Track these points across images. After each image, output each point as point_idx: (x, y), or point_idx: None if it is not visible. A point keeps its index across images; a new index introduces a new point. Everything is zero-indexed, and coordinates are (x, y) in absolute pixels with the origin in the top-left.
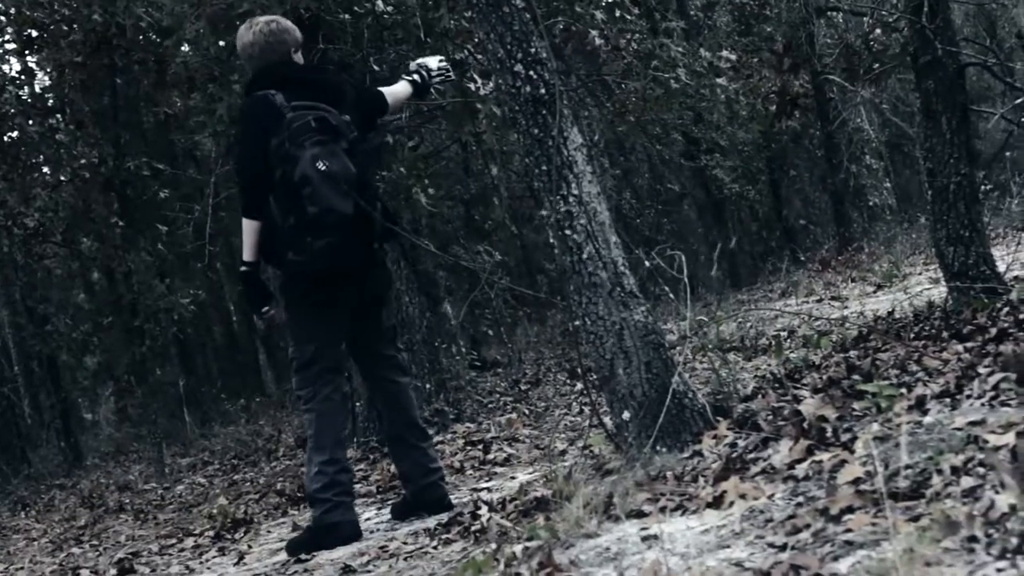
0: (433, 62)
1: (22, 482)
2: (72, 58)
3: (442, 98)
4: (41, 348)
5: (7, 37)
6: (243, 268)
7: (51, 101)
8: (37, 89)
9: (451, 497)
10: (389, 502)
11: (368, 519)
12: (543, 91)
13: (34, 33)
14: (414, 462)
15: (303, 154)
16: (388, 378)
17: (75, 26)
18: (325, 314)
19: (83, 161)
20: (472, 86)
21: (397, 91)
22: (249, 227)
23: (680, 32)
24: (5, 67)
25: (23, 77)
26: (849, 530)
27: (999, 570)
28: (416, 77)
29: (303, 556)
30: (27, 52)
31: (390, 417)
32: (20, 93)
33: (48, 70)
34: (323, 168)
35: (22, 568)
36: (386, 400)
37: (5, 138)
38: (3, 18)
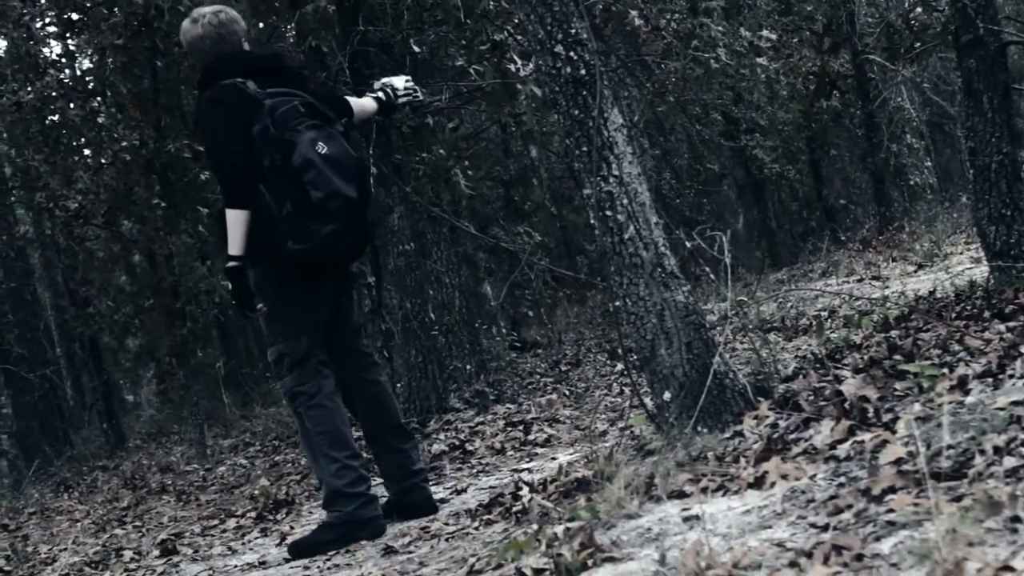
0: (400, 82)
1: (65, 464)
2: (113, 41)
3: (482, 80)
4: (83, 330)
5: (48, 20)
6: (231, 264)
7: (92, 84)
8: (78, 72)
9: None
10: (430, 483)
11: None
12: (583, 72)
13: (75, 16)
14: (396, 464)
15: (300, 138)
16: (368, 379)
17: (116, 9)
18: (313, 306)
19: (124, 144)
20: (512, 67)
21: (363, 104)
22: (237, 218)
23: (720, 11)
24: (46, 50)
25: (64, 60)
26: (891, 510)
27: None
28: (381, 95)
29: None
30: (68, 35)
31: (373, 420)
32: (61, 76)
33: (89, 53)
34: (324, 151)
35: (65, 549)
36: (368, 403)
37: (47, 121)
38: (44, 1)
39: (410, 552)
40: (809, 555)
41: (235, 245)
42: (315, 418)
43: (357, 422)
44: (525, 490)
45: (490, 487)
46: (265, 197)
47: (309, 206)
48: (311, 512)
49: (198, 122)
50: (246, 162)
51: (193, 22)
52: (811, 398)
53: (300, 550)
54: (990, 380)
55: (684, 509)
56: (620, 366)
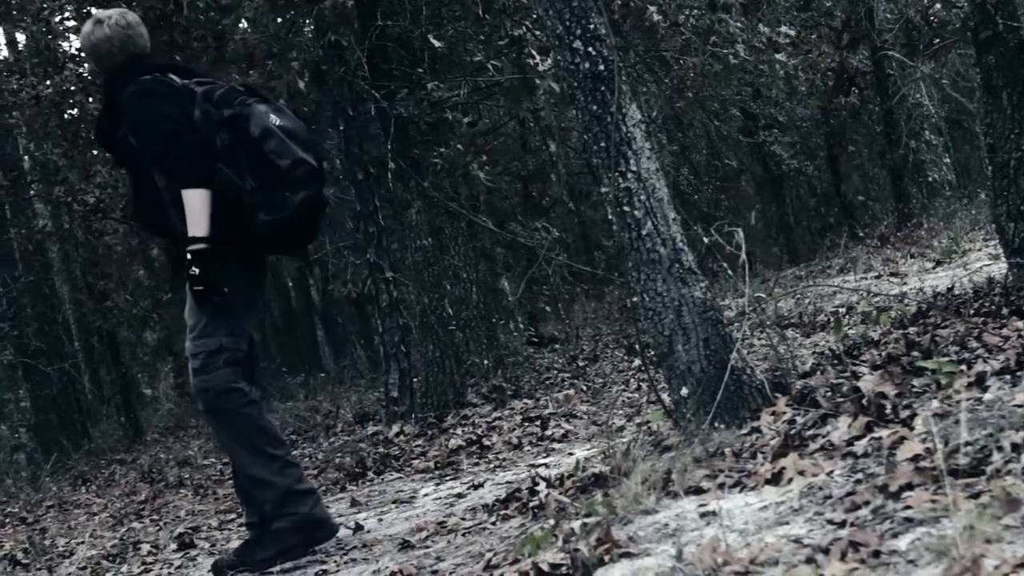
0: None
1: (83, 457)
2: None
3: (500, 75)
4: (101, 324)
5: (67, 14)
6: (199, 246)
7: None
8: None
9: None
10: (447, 478)
11: (426, 494)
12: (602, 67)
13: (94, 10)
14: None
15: (251, 111)
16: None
17: (134, 3)
18: (255, 303)
19: None
20: (530, 62)
21: None
22: (201, 197)
23: (739, 7)
24: (65, 45)
25: (83, 55)
26: (908, 507)
27: None
28: None
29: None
30: None
31: None
32: (80, 70)
33: None
34: (278, 123)
35: (83, 542)
36: None
37: (65, 115)
38: None
39: (427, 547)
40: (826, 551)
41: (201, 226)
42: (250, 416)
43: None
44: (542, 485)
45: (507, 482)
46: (226, 174)
47: (276, 175)
48: (328, 506)
49: (123, 121)
50: (199, 141)
51: (97, 23)
52: (829, 394)
53: (260, 564)
54: (1008, 377)
55: (701, 505)
56: (637, 362)
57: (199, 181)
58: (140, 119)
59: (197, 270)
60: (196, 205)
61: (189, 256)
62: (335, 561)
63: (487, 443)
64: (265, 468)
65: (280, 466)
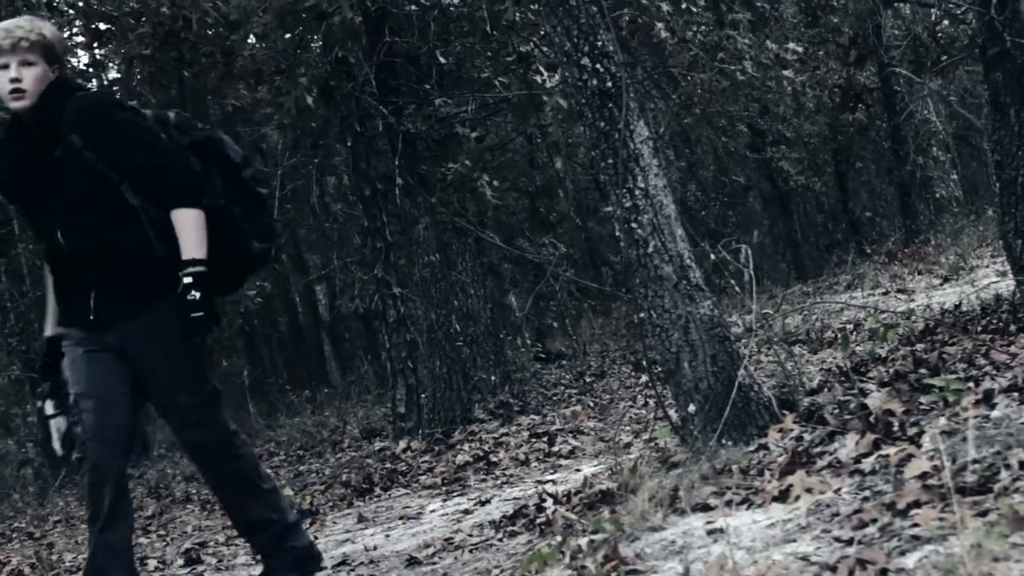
0: None
1: None
2: (140, 51)
3: (507, 91)
4: None
5: (76, 30)
6: (199, 268)
7: (119, 93)
8: (106, 82)
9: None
10: (454, 494)
11: (433, 510)
12: (609, 84)
13: (103, 26)
14: None
15: (219, 135)
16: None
17: (143, 19)
18: None
19: None
20: (538, 79)
21: None
22: (200, 218)
23: (746, 24)
24: (74, 60)
25: (92, 70)
26: (916, 525)
27: None
28: None
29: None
30: (96, 45)
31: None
32: (89, 86)
33: (117, 63)
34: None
35: None
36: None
37: None
38: (72, 11)
39: (434, 563)
40: (834, 569)
41: (201, 247)
42: (250, 456)
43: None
44: (549, 502)
45: (514, 498)
46: (214, 199)
47: (257, 202)
48: (335, 523)
49: (74, 134)
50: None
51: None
52: (836, 411)
53: None
54: (1016, 394)
55: (708, 522)
56: (645, 378)
57: (198, 201)
58: (132, 134)
59: (198, 295)
60: (196, 225)
61: (189, 280)
62: None
63: (494, 459)
64: (273, 505)
65: (276, 501)
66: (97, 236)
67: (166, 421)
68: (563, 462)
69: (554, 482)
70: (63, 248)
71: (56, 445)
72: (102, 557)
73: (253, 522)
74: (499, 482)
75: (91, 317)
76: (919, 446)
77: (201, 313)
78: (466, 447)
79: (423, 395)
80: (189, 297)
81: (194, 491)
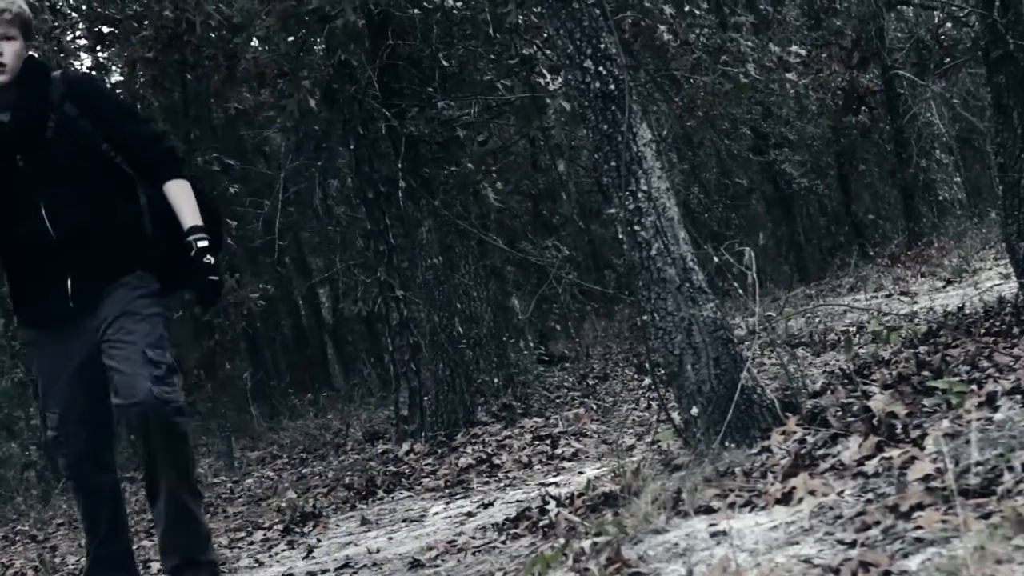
0: None
1: None
2: (143, 54)
3: (510, 94)
4: None
5: (79, 33)
6: (206, 237)
7: (122, 96)
8: (109, 85)
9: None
10: (457, 497)
11: (436, 513)
12: (612, 86)
13: (105, 29)
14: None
15: None
16: None
17: (146, 22)
18: None
19: None
20: (541, 81)
21: None
22: (191, 189)
23: (749, 26)
24: (77, 63)
25: (95, 73)
26: (919, 527)
27: None
28: None
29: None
30: (99, 48)
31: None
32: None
33: (120, 66)
34: None
35: None
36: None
37: None
38: (75, 14)
39: (437, 566)
40: (837, 571)
41: (200, 216)
42: (190, 447)
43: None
44: (552, 504)
45: (517, 501)
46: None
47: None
48: (337, 525)
49: (67, 106)
50: None
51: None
52: (839, 414)
53: None
54: (1019, 397)
55: (711, 524)
56: (648, 381)
57: (185, 176)
58: (127, 106)
59: (212, 259)
60: (192, 195)
61: (204, 243)
62: None
63: (497, 462)
64: (197, 505)
65: (203, 505)
66: (91, 213)
67: (120, 381)
68: (566, 464)
69: (557, 484)
70: (47, 232)
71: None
72: (102, 570)
73: (184, 511)
74: (502, 485)
75: (69, 304)
76: (922, 448)
77: (218, 278)
78: (469, 450)
79: (426, 398)
80: (205, 260)
81: None
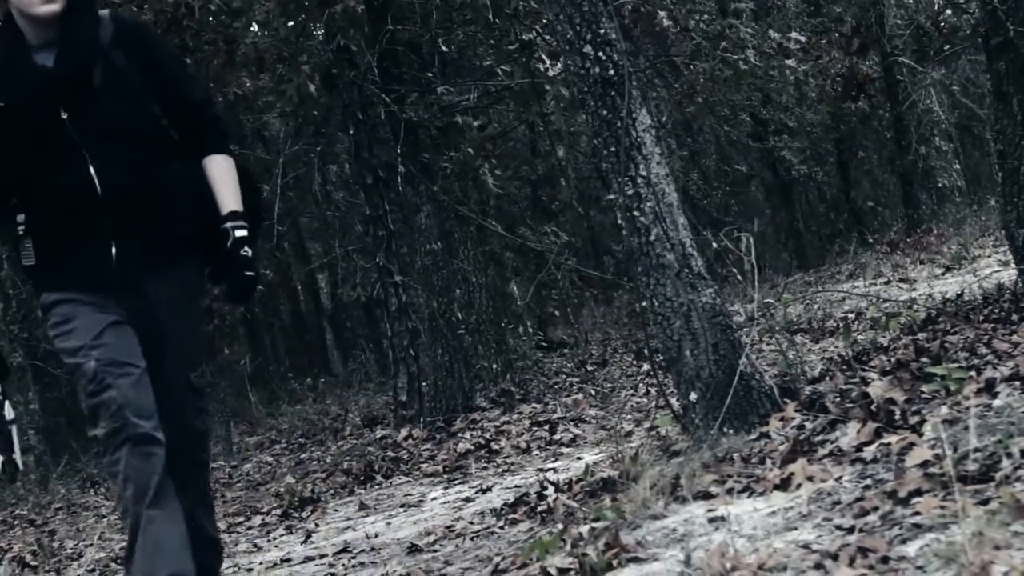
0: None
1: (91, 460)
2: None
3: (510, 79)
4: None
5: None
6: (245, 223)
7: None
8: None
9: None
10: (455, 482)
11: (435, 498)
12: (612, 72)
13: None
14: None
15: None
16: None
17: (145, 6)
18: None
19: None
20: (540, 67)
21: None
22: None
23: (749, 13)
24: None
25: None
26: (917, 513)
27: None
28: None
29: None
30: None
31: None
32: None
33: None
34: None
35: (92, 545)
36: None
37: None
38: None
39: (435, 551)
40: (835, 557)
41: (241, 201)
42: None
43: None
44: (550, 490)
45: (515, 486)
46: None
47: None
48: (336, 510)
49: (146, 43)
50: None
51: None
52: (837, 400)
53: None
54: (1017, 383)
55: (710, 510)
56: (646, 366)
57: (230, 151)
58: (179, 62)
59: (250, 251)
60: (235, 176)
61: (242, 233)
62: (343, 564)
63: (495, 447)
64: (213, 521)
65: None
66: (136, 172)
67: (163, 405)
68: (564, 450)
69: (555, 470)
70: (92, 187)
71: (16, 456)
72: (157, 528)
73: (214, 542)
74: (500, 470)
75: (114, 272)
76: (920, 435)
77: (254, 273)
78: (467, 435)
79: (424, 383)
80: (243, 252)
81: None
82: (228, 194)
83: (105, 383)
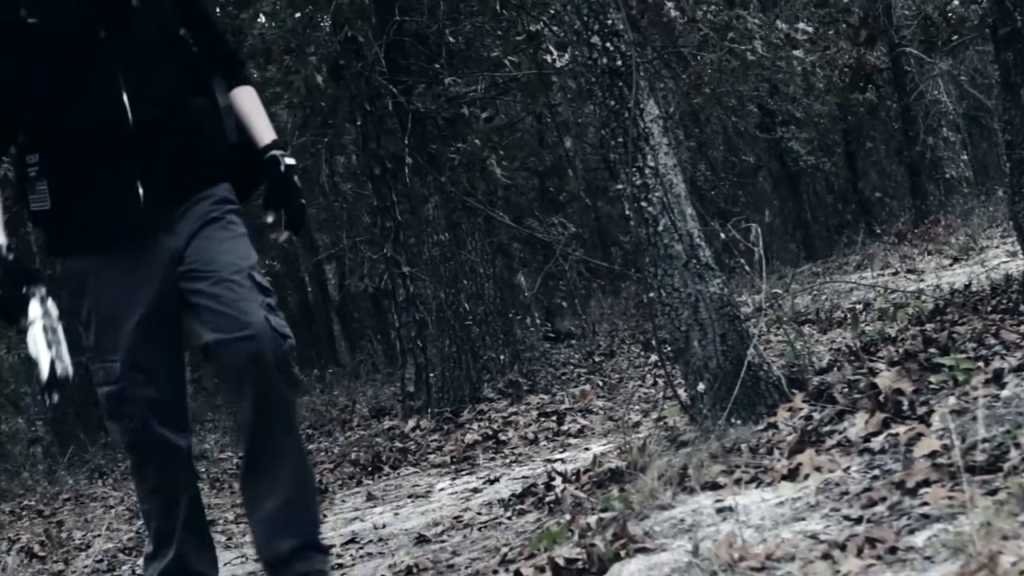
0: None
1: (99, 451)
2: None
3: (517, 70)
4: None
5: None
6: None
7: None
8: None
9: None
10: (463, 473)
11: (442, 489)
12: (619, 63)
13: None
14: None
15: None
16: None
17: None
18: None
19: None
20: (548, 58)
21: None
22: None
23: (756, 3)
24: None
25: None
26: (925, 503)
27: None
28: None
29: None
30: None
31: None
32: None
33: None
34: None
35: (100, 535)
36: None
37: None
38: None
39: (443, 541)
40: (843, 547)
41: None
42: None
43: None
44: (558, 480)
45: (523, 477)
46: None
47: None
48: (343, 501)
49: None
50: None
51: None
52: (845, 390)
53: None
54: None
55: (717, 500)
56: (654, 357)
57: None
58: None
59: (297, 180)
60: (262, 106)
61: (291, 161)
62: (351, 555)
63: (503, 438)
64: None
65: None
66: (169, 104)
67: (238, 312)
68: (572, 441)
69: (563, 461)
70: (123, 117)
71: (65, 359)
72: (195, 554)
73: (311, 481)
74: (508, 461)
75: (142, 214)
76: (928, 425)
77: (303, 201)
78: (475, 426)
79: (432, 374)
80: (293, 182)
81: (203, 469)
82: (262, 124)
83: (122, 393)
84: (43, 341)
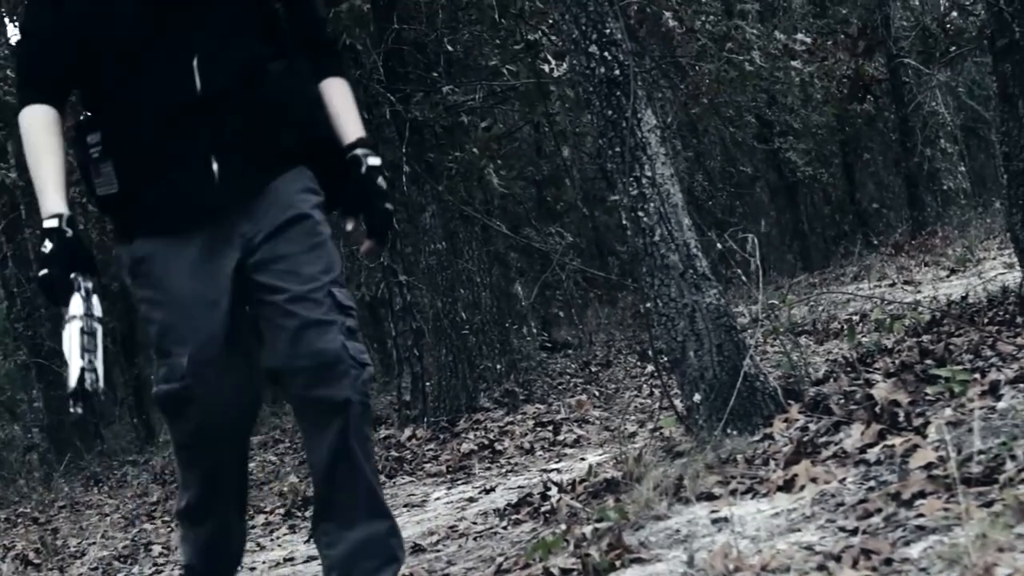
0: None
1: (95, 458)
2: None
3: (515, 79)
4: (115, 325)
5: None
6: (377, 154)
7: None
8: None
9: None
10: (459, 482)
11: (438, 498)
12: (617, 72)
13: None
14: None
15: None
16: None
17: None
18: None
19: None
20: (546, 67)
21: None
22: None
23: (755, 14)
24: None
25: None
26: (921, 515)
27: None
28: None
29: None
30: None
31: None
32: None
33: None
34: None
35: (95, 543)
36: None
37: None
38: None
39: (438, 551)
40: (838, 559)
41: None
42: None
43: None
44: (554, 490)
45: (519, 487)
46: None
47: None
48: None
49: None
50: None
51: None
52: (842, 402)
53: None
54: (1022, 386)
55: (713, 511)
56: (650, 367)
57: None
58: None
59: (385, 184)
60: (355, 102)
61: (376, 161)
62: None
63: (499, 448)
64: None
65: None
66: (253, 74)
67: (316, 335)
68: (568, 451)
69: (559, 471)
70: (192, 89)
71: (99, 365)
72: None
73: (383, 505)
74: (504, 470)
75: (217, 192)
76: (925, 436)
77: (393, 207)
78: (471, 435)
79: (428, 383)
80: (379, 185)
81: None
82: (351, 119)
83: (189, 390)
84: (78, 345)
